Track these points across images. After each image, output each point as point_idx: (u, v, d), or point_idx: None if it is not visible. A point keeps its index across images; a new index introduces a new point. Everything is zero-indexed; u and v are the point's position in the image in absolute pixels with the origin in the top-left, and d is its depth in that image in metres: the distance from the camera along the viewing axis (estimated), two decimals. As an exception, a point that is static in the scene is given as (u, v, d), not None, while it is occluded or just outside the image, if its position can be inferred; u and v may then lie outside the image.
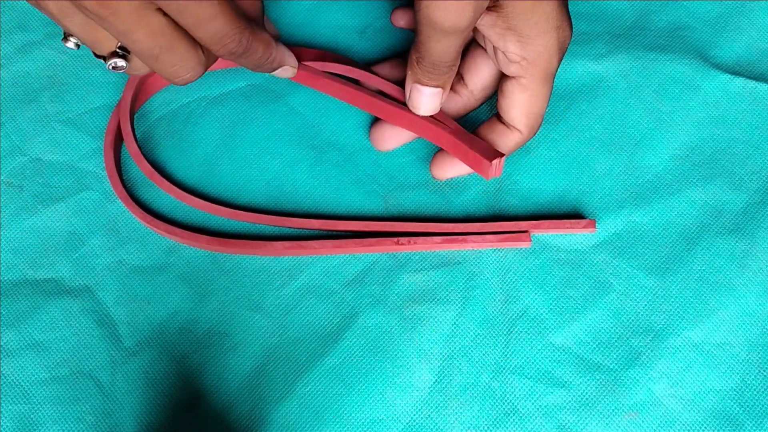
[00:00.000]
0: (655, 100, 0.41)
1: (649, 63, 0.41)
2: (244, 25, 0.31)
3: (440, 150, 0.38)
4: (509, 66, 0.35)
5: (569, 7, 0.35)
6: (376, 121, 0.40)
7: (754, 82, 0.41)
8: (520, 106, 0.36)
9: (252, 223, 0.39)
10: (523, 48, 0.34)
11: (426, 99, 0.35)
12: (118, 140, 0.40)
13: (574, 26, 0.42)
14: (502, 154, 0.35)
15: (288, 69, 0.36)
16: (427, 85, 0.35)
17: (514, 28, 0.33)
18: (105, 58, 0.34)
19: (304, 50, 0.40)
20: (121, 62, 0.32)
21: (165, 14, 0.30)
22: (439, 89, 0.35)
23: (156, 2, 0.29)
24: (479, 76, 0.38)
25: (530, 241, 0.38)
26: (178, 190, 0.39)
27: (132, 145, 0.39)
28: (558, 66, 0.35)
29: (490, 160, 0.35)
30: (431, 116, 0.36)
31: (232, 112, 0.41)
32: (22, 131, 0.41)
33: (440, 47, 0.32)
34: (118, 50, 0.32)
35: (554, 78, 0.36)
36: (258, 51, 0.33)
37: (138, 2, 0.30)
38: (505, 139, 0.37)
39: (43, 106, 0.41)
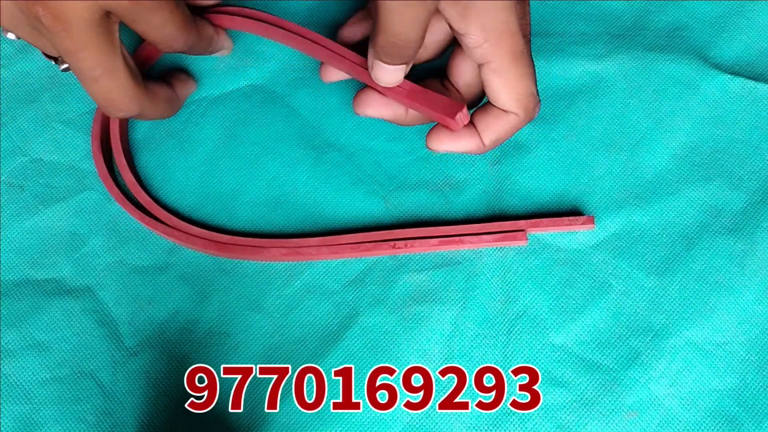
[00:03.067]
0: (655, 100, 0.41)
1: (649, 63, 0.41)
2: (191, 27, 0.35)
3: (437, 123, 0.38)
4: (475, 52, 0.34)
5: (569, 8, 0.35)
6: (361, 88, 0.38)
7: (753, 82, 0.41)
8: (502, 90, 0.35)
9: (245, 259, 0.39)
10: (482, 28, 0.33)
11: (389, 74, 0.35)
12: (106, 142, 0.40)
13: (574, 26, 0.42)
14: (462, 106, 0.35)
15: (224, 51, 0.41)
16: (389, 64, 0.34)
17: (472, 7, 0.32)
18: (56, 60, 0.34)
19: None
20: None
21: (115, 37, 0.33)
22: (401, 66, 0.35)
23: (113, 17, 0.31)
24: (461, 74, 0.37)
25: (527, 239, 0.38)
26: (156, 207, 0.39)
27: (120, 157, 0.39)
28: (525, 44, 0.34)
29: (453, 116, 0.35)
30: None
31: (232, 113, 0.41)
32: (23, 131, 0.41)
33: (397, 26, 0.32)
34: None
35: (528, 57, 0.34)
36: (200, 46, 0.37)
37: (92, 20, 0.30)
38: (502, 123, 0.36)
39: (44, 106, 0.42)
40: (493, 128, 0.36)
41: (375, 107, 0.36)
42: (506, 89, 0.34)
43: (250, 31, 0.41)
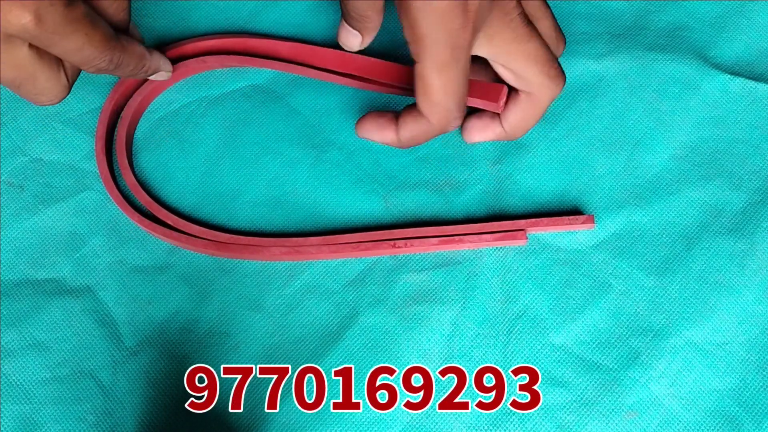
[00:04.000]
0: (655, 100, 0.41)
1: (649, 63, 0.41)
2: (113, 45, 0.33)
3: (470, 115, 0.38)
4: (409, 47, 0.33)
5: (569, 7, 0.35)
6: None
7: (753, 82, 0.41)
8: (420, 94, 0.34)
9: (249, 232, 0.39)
10: (409, 26, 0.32)
11: (348, 37, 0.38)
12: (110, 144, 0.40)
13: (574, 26, 0.42)
14: (502, 88, 0.36)
15: (163, 74, 0.39)
16: (350, 25, 0.37)
17: (406, 5, 0.31)
18: None
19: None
20: None
21: (31, 46, 0.31)
22: (357, 33, 0.37)
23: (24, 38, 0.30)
24: None
25: (526, 238, 0.38)
26: (157, 206, 0.39)
27: (128, 174, 0.39)
28: (453, 55, 0.32)
29: (497, 101, 0.36)
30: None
31: (232, 113, 0.41)
32: (23, 131, 0.41)
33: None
34: None
35: (456, 71, 0.32)
36: (130, 64, 0.36)
37: (5, 37, 0.30)
38: (417, 124, 0.35)
39: (44, 106, 0.41)
40: (409, 126, 0.35)
41: (370, 133, 0.37)
42: (423, 95, 0.33)
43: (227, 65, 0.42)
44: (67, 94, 0.35)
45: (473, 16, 0.31)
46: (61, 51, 0.32)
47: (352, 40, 0.38)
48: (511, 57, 0.34)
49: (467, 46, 0.32)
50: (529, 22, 0.34)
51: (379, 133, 0.37)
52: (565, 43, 0.37)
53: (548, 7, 0.36)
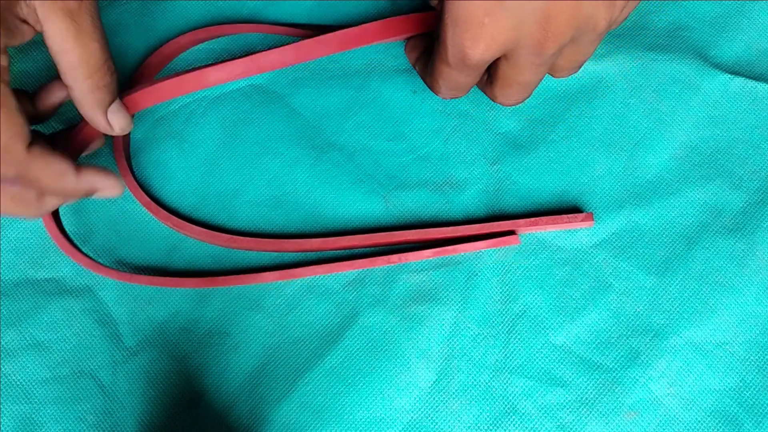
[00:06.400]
0: (655, 100, 0.41)
1: (649, 63, 0.41)
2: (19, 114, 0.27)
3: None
4: None
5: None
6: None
7: (753, 81, 0.41)
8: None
9: (247, 250, 0.39)
10: None
11: None
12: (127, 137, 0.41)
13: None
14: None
15: (107, 190, 0.32)
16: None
17: None
18: None
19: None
20: None
21: None
22: None
23: None
24: None
25: (519, 240, 0.37)
26: (155, 206, 0.39)
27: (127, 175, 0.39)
28: None
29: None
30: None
31: (232, 113, 0.41)
32: (23, 131, 0.41)
33: None
34: None
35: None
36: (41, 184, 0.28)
37: None
38: None
39: (44, 106, 0.41)
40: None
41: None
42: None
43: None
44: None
45: None
46: None
47: None
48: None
49: None
50: None
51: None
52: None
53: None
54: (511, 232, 0.38)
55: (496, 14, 0.30)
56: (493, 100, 0.36)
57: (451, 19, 0.31)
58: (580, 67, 0.35)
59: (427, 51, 0.38)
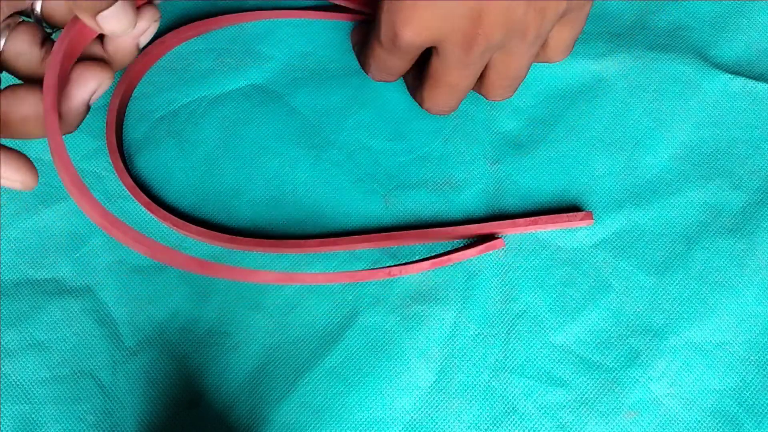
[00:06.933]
0: (656, 99, 0.41)
1: (649, 62, 0.41)
2: None
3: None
4: None
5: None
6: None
7: (753, 81, 0.41)
8: None
9: (244, 250, 0.38)
10: None
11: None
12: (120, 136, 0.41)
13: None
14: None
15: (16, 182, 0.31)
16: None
17: None
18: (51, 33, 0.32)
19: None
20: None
21: None
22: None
23: None
24: None
25: (503, 243, 0.38)
26: (155, 206, 0.39)
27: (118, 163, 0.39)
28: None
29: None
30: None
31: (232, 112, 0.41)
32: (23, 131, 0.41)
33: None
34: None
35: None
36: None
37: None
38: None
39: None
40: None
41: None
42: None
43: None
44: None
45: None
46: None
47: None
48: None
49: None
50: None
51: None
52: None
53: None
54: (495, 237, 0.38)
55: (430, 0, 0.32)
56: (420, 106, 0.38)
57: None
58: (513, 90, 0.37)
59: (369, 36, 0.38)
